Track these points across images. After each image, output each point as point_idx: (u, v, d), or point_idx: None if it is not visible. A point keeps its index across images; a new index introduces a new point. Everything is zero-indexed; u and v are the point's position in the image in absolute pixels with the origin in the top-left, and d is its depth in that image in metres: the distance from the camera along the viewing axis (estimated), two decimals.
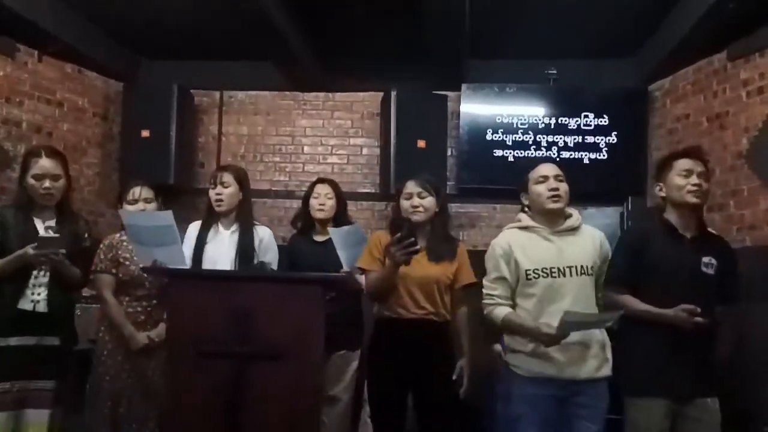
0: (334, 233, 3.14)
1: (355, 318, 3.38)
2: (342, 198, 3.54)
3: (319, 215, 3.42)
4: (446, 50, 4.56)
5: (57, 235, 2.78)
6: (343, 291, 3.08)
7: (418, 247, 2.56)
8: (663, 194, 2.63)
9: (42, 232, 2.80)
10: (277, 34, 4.31)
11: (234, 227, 3.12)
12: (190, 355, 2.36)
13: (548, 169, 2.61)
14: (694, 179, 2.53)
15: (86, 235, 2.99)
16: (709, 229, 2.70)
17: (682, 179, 2.55)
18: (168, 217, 2.81)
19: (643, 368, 2.52)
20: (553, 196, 2.55)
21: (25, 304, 2.74)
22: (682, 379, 2.46)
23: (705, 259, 2.53)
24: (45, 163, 2.80)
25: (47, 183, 2.80)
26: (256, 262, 3.03)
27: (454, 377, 2.74)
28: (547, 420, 2.50)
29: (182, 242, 2.99)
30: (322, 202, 3.44)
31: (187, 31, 4.88)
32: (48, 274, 2.79)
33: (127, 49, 5.38)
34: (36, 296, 2.77)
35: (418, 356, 2.67)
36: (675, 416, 2.49)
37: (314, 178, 3.68)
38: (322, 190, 3.48)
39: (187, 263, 2.97)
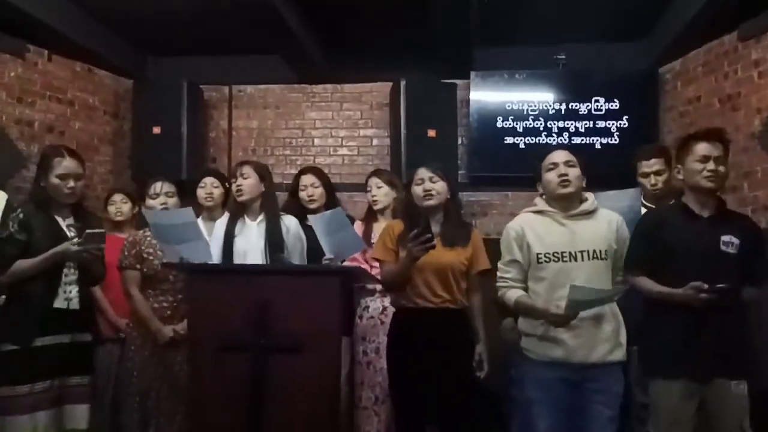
0: (315, 220, 3.03)
1: None
2: (329, 184, 3.54)
3: (311, 206, 3.43)
4: (454, 38, 4.55)
5: (103, 230, 2.82)
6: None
7: (434, 242, 2.58)
8: (681, 177, 2.62)
9: (65, 230, 2.82)
10: (284, 27, 4.31)
11: (260, 218, 3.11)
12: (212, 348, 2.41)
13: (558, 156, 2.61)
14: (710, 165, 2.51)
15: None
16: (732, 210, 2.67)
17: (698, 164, 2.53)
18: (189, 213, 2.85)
19: (661, 350, 2.53)
20: (562, 182, 2.56)
21: (59, 303, 2.75)
22: (700, 360, 2.44)
23: (724, 238, 2.49)
24: (69, 164, 2.81)
25: (72, 183, 2.81)
26: (285, 251, 3.03)
27: (474, 364, 2.75)
28: (560, 403, 2.51)
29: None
30: (310, 192, 3.46)
31: (194, 27, 4.89)
32: (76, 271, 2.81)
33: (135, 47, 5.40)
34: (69, 294, 2.78)
35: (437, 345, 2.68)
36: (701, 399, 2.47)
37: (325, 171, 3.68)
38: (308, 180, 3.49)
39: (214, 257, 2.98)
